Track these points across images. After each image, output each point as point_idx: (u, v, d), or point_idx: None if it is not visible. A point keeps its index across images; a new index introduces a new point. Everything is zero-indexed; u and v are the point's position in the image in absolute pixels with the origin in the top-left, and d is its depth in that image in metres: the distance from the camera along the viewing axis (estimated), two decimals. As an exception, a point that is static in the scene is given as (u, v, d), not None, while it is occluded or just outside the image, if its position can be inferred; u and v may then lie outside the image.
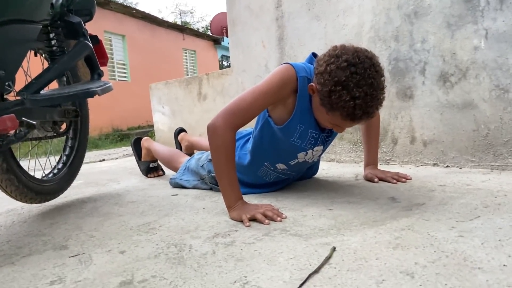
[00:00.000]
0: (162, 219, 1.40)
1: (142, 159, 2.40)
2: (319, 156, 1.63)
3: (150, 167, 2.37)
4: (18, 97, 1.34)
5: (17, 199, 1.56)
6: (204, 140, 2.31)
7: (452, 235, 0.99)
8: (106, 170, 2.91)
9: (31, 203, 1.64)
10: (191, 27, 25.03)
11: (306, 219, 1.23)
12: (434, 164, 1.89)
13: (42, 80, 1.42)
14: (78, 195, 1.99)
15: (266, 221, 1.21)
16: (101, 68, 1.82)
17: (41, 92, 1.43)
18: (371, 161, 1.72)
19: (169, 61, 13.09)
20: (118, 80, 11.14)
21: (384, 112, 2.04)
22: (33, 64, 1.71)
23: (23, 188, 1.53)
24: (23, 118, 1.29)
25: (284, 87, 1.35)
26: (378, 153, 1.77)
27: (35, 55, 1.70)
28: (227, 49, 19.04)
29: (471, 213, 1.15)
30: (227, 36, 16.23)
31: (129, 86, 11.20)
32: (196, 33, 16.15)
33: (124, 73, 11.39)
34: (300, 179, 1.82)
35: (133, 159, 3.46)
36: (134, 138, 2.51)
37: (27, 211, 1.73)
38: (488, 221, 1.07)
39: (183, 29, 14.88)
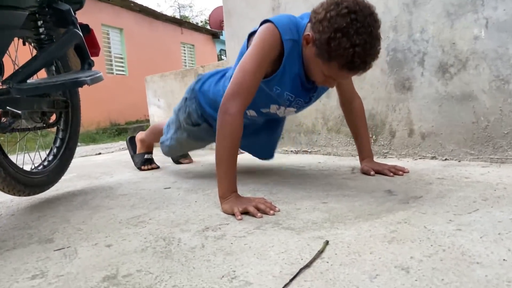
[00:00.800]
0: (152, 212, 1.36)
1: (138, 152, 2.38)
2: (290, 115, 1.66)
3: (145, 158, 2.34)
4: (4, 86, 1.30)
5: (4, 192, 1.52)
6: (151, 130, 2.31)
7: (450, 228, 0.95)
8: (100, 163, 2.87)
9: (19, 195, 1.60)
10: (190, 21, 24.89)
11: (300, 212, 1.19)
12: (432, 157, 1.85)
13: (29, 68, 1.38)
14: (69, 188, 1.96)
15: (259, 214, 1.17)
16: (95, 58, 1.77)
17: (28, 81, 1.38)
18: (365, 153, 1.68)
19: (167, 55, 13.00)
20: (116, 74, 11.06)
21: (381, 104, 2.00)
22: (23, 53, 1.66)
23: (11, 180, 1.49)
24: (8, 108, 1.25)
25: (272, 51, 1.33)
26: (370, 144, 1.73)
27: (24, 44, 1.66)
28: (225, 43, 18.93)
29: (469, 206, 1.11)
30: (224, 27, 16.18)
31: (126, 80, 11.13)
32: (194, 27, 16.05)
33: (122, 67, 11.31)
34: (261, 154, 1.89)
35: (127, 153, 3.42)
36: (129, 136, 2.51)
37: (16, 204, 1.69)
38: (487, 214, 1.03)
39: (181, 22, 14.78)
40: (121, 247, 1.04)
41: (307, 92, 1.47)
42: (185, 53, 14.86)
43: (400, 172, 1.57)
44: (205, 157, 2.73)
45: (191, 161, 2.46)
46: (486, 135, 1.67)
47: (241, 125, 1.30)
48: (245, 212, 1.21)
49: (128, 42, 11.35)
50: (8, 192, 1.53)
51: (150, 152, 2.36)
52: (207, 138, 1.83)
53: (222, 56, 18.84)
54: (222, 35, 17.07)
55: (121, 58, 11.27)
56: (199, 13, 39.07)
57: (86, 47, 1.70)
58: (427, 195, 1.26)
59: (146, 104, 3.64)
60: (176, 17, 22.20)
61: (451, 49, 1.73)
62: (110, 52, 10.80)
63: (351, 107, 1.69)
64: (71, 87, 1.48)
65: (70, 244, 1.10)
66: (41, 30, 1.54)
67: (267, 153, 1.88)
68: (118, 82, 10.61)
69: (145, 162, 2.33)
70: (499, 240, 0.85)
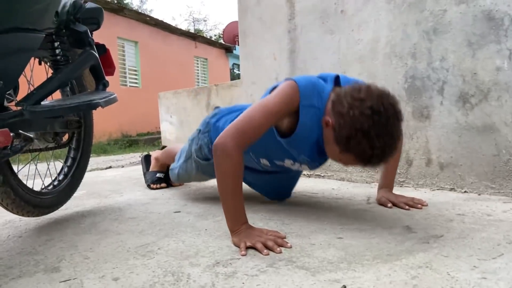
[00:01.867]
0: (161, 240, 1.32)
1: (151, 169, 2.38)
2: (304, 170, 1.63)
3: (157, 177, 2.32)
4: (18, 108, 1.29)
5: (13, 213, 1.50)
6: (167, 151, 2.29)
7: (475, 276, 0.90)
8: (110, 180, 2.85)
9: (28, 216, 1.58)
10: (204, 35, 25.16)
11: (314, 249, 1.14)
12: (451, 189, 1.79)
13: (43, 90, 1.37)
14: (78, 208, 1.93)
15: (265, 251, 1.13)
16: (109, 76, 1.77)
17: (42, 103, 1.37)
18: (386, 183, 1.63)
19: (181, 68, 13.10)
20: (129, 86, 11.16)
21: (398, 132, 1.96)
22: (37, 72, 1.66)
23: (20, 201, 1.47)
24: (20, 131, 1.23)
25: (286, 108, 1.29)
26: (395, 175, 1.68)
27: (39, 64, 1.65)
28: (238, 57, 19.06)
29: (494, 250, 1.06)
30: (239, 45, 16.31)
31: (140, 92, 11.22)
32: (208, 41, 16.20)
33: (136, 79, 11.42)
34: (276, 195, 1.80)
35: (138, 169, 3.41)
36: (144, 154, 2.53)
37: (24, 224, 1.67)
38: (513, 261, 0.98)
39: (195, 36, 14.92)
40: (129, 282, 1.00)
41: (324, 155, 1.40)
42: (198, 67, 14.96)
43: (419, 206, 1.51)
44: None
45: (166, 186, 2.34)
46: (508, 169, 1.62)
47: (241, 160, 1.25)
48: (253, 247, 1.17)
49: (143, 55, 11.47)
50: (17, 213, 1.51)
51: (163, 172, 2.33)
52: (214, 174, 1.78)
53: (234, 70, 18.94)
54: (235, 49, 17.18)
55: (135, 70, 11.38)
56: (213, 27, 39.45)
57: (102, 68, 1.69)
58: (448, 234, 1.20)
59: (158, 117, 3.64)
60: (190, 30, 22.47)
61: (472, 79, 1.69)
62: (124, 64, 10.92)
63: None
64: (85, 109, 1.47)
65: (77, 275, 1.06)
66: (57, 51, 1.54)
67: (284, 194, 1.81)
68: (131, 94, 10.69)
69: (155, 181, 2.31)
70: (530, 294, 0.80)
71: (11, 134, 1.08)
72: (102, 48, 1.77)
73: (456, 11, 1.72)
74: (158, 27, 12.20)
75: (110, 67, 1.82)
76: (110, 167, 4.32)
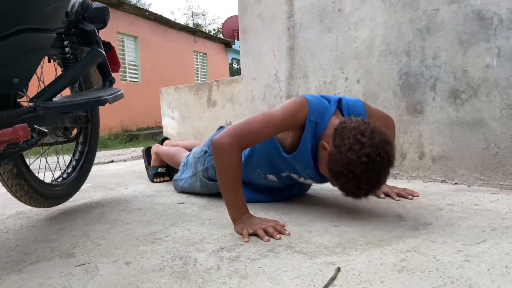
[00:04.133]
0: (168, 229, 1.41)
1: (151, 164, 2.44)
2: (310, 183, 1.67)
3: (158, 172, 2.40)
4: (31, 103, 1.36)
5: (26, 203, 1.58)
6: (172, 149, 2.32)
7: (458, 259, 0.99)
8: (114, 173, 2.92)
9: (39, 207, 1.66)
10: (203, 29, 25.14)
11: (312, 236, 1.23)
12: (443, 181, 1.88)
13: (55, 87, 1.44)
14: (86, 199, 2.01)
15: (266, 237, 1.21)
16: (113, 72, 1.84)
17: (54, 99, 1.44)
18: None
19: (180, 63, 13.14)
20: (129, 81, 11.21)
21: (393, 126, 2.04)
22: (46, 69, 1.73)
23: (33, 193, 1.55)
24: (35, 126, 1.31)
25: (293, 121, 1.37)
26: None
27: (49, 61, 1.72)
28: (238, 52, 19.07)
29: (478, 236, 1.14)
30: (238, 40, 16.31)
31: (139, 87, 11.27)
32: (207, 36, 16.22)
33: (135, 74, 11.46)
34: (292, 194, 1.78)
35: (141, 162, 3.49)
36: (145, 147, 2.58)
37: (35, 214, 1.75)
38: (495, 246, 1.06)
39: (194, 31, 14.95)
40: (140, 265, 1.08)
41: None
42: (197, 62, 15.00)
43: (410, 196, 1.59)
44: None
45: (169, 179, 2.38)
46: (496, 162, 1.70)
47: (239, 156, 1.33)
48: (254, 234, 1.25)
49: (142, 49, 11.51)
50: (30, 204, 1.59)
51: (164, 167, 2.40)
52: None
53: (233, 65, 18.97)
54: (234, 44, 17.21)
55: (135, 65, 11.43)
56: (212, 21, 39.41)
57: (108, 65, 1.77)
58: (436, 222, 1.29)
59: (158, 111, 3.70)
60: (189, 25, 22.45)
61: (463, 76, 1.77)
62: (124, 59, 10.96)
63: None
64: (94, 105, 1.54)
65: (91, 260, 1.14)
66: (66, 49, 1.61)
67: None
68: (131, 89, 10.74)
69: (157, 175, 2.39)
70: (506, 273, 0.89)
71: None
72: (107, 46, 1.84)
73: (448, 10, 1.80)
74: (158, 22, 12.22)
75: (115, 64, 1.90)
76: (112, 161, 4.40)
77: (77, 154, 1.94)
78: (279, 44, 2.56)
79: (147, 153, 2.54)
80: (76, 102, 1.45)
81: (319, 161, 1.38)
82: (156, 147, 2.44)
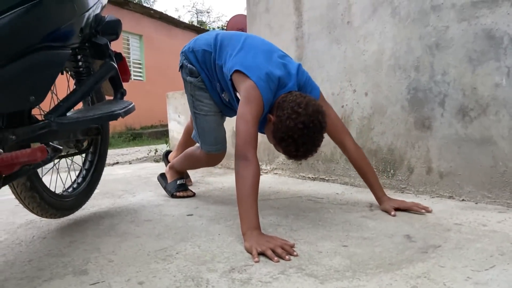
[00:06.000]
0: (178, 244, 1.42)
1: (169, 181, 2.28)
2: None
3: (178, 184, 2.24)
4: (45, 119, 1.38)
5: (37, 215, 1.60)
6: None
7: (468, 287, 1.00)
8: (121, 179, 2.95)
9: (50, 218, 1.68)
10: (207, 26, 25.09)
11: (321, 256, 1.24)
12: (450, 197, 1.89)
13: (68, 102, 1.46)
14: (94, 208, 2.03)
15: (275, 258, 1.23)
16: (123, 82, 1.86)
17: (67, 114, 1.46)
18: (381, 193, 1.74)
19: (184, 61, 13.16)
20: (134, 79, 11.23)
21: (401, 140, 2.05)
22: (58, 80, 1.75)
23: (45, 205, 1.57)
24: (51, 143, 1.33)
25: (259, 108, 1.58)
26: (378, 179, 1.80)
27: (61, 73, 1.74)
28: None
29: (487, 261, 1.15)
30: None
31: (143, 85, 11.29)
32: (212, 35, 16.22)
33: (140, 72, 11.49)
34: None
35: (147, 167, 3.51)
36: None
37: (46, 224, 1.77)
38: (503, 272, 1.07)
39: (199, 30, 14.95)
40: (153, 285, 1.10)
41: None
42: (201, 60, 15.01)
43: (423, 210, 1.64)
44: (223, 177, 2.80)
45: (193, 194, 2.27)
46: (504, 180, 1.71)
47: (258, 167, 1.47)
48: (263, 254, 1.27)
49: (147, 48, 11.53)
50: (42, 216, 1.61)
51: (182, 178, 2.28)
52: (213, 101, 1.95)
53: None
54: (239, 43, 17.20)
55: (140, 63, 11.45)
56: (216, 19, 39.34)
57: (120, 78, 1.79)
58: (445, 244, 1.30)
59: (162, 110, 3.71)
60: (194, 22, 22.43)
61: (472, 93, 1.78)
62: (129, 57, 10.98)
63: (346, 150, 1.77)
64: (106, 120, 1.55)
65: (104, 278, 1.16)
66: (80, 63, 1.63)
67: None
68: (135, 87, 10.75)
69: (179, 188, 2.23)
70: (516, 305, 0.90)
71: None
72: (118, 56, 1.86)
73: (458, 28, 1.80)
74: (162, 21, 12.24)
75: (125, 74, 1.92)
76: (118, 162, 4.43)
77: (87, 163, 1.96)
78: (287, 54, 2.56)
79: (162, 177, 2.36)
80: (90, 117, 1.47)
81: (266, 131, 1.65)
82: (167, 167, 2.34)
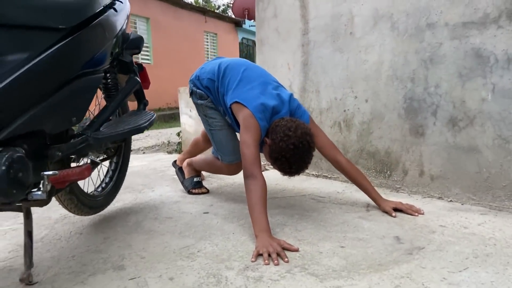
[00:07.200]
0: (198, 242, 1.65)
1: (186, 177, 2.51)
2: None
3: (195, 181, 2.46)
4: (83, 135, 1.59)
5: (74, 213, 1.83)
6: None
7: (442, 287, 1.22)
8: (138, 172, 3.17)
9: (84, 215, 1.91)
10: (213, 4, 25.02)
11: (322, 257, 1.46)
12: (439, 197, 2.10)
13: (101, 118, 1.67)
14: (119, 203, 2.26)
15: (266, 261, 1.44)
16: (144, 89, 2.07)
17: (101, 129, 1.67)
18: (377, 196, 1.94)
19: (191, 44, 13.26)
20: (141, 62, 11.36)
21: (397, 145, 2.25)
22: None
23: (81, 205, 1.79)
24: (91, 159, 1.54)
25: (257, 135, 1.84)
26: (372, 185, 2.01)
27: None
28: (248, 31, 19.05)
29: (462, 264, 1.37)
30: (249, 19, 16.28)
31: (151, 68, 11.41)
32: (218, 16, 16.22)
33: (147, 55, 11.62)
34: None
35: (161, 159, 3.73)
36: (178, 167, 2.64)
37: (79, 219, 1.99)
38: (474, 274, 1.29)
39: (205, 11, 14.97)
40: (182, 281, 1.33)
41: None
42: (207, 42, 15.08)
43: (416, 214, 1.86)
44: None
45: (207, 191, 2.50)
46: (487, 185, 1.91)
47: (265, 182, 1.73)
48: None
49: (154, 31, 11.63)
50: (77, 214, 1.84)
51: (199, 176, 2.51)
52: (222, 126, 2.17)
53: (244, 43, 18.96)
54: (245, 23, 17.21)
55: (147, 46, 11.57)
56: (222, -2, 38.99)
57: (143, 90, 1.99)
58: (429, 246, 1.52)
59: (169, 93, 3.87)
60: (199, 2, 22.33)
61: (461, 106, 1.96)
62: (136, 41, 11.07)
63: (340, 167, 1.99)
64: (134, 134, 1.77)
65: (140, 274, 1.39)
66: (109, 80, 1.83)
67: None
68: (143, 71, 10.92)
69: (195, 185, 2.45)
70: (477, 304, 1.12)
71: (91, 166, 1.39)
72: (140, 67, 2.06)
73: (450, 45, 1.98)
74: (169, 3, 12.28)
75: (146, 82, 2.12)
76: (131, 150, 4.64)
77: (113, 165, 2.18)
78: (293, 58, 2.75)
79: (180, 171, 2.58)
80: (120, 132, 1.68)
81: (264, 151, 1.89)
82: (185, 162, 2.55)
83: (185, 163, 2.54)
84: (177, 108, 4.12)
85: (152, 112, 1.98)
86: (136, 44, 1.96)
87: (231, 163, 2.18)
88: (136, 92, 1.97)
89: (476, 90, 1.91)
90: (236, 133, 2.17)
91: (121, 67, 1.91)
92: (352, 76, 2.42)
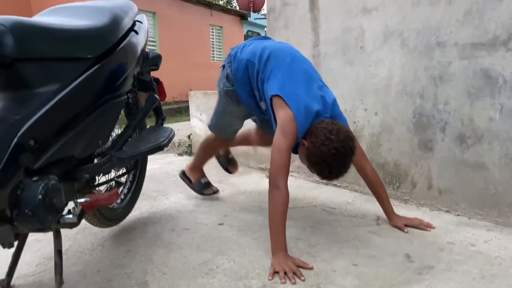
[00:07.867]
0: (216, 257, 1.73)
1: (194, 182, 2.58)
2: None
3: (204, 183, 2.55)
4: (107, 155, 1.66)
5: (96, 226, 1.92)
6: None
7: (450, 309, 1.29)
8: (151, 176, 3.24)
9: (105, 227, 1.99)
10: (218, -3, 24.96)
11: (336, 276, 1.54)
12: (447, 211, 2.16)
13: (124, 137, 1.74)
14: (136, 211, 2.33)
15: (282, 280, 1.52)
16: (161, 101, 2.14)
17: (123, 148, 1.74)
18: (391, 210, 2.01)
19: (197, 37, 13.27)
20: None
21: (406, 158, 2.31)
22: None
23: (102, 218, 1.88)
24: (116, 180, 1.62)
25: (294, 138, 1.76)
26: (389, 200, 2.06)
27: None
28: (253, 24, 19.02)
29: (469, 285, 1.44)
30: (254, 12, 16.24)
31: (157, 63, 11.46)
32: (223, 9, 16.20)
33: (154, 49, 11.66)
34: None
35: (172, 161, 3.81)
36: (182, 173, 2.67)
37: (99, 230, 2.07)
38: (480, 296, 1.36)
39: (211, 5, 14.95)
40: (204, 300, 1.41)
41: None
42: (213, 36, 15.08)
43: (428, 229, 1.93)
44: (245, 177, 3.09)
45: (217, 190, 2.61)
46: (494, 201, 1.98)
47: (288, 195, 1.71)
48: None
49: (160, 25, 11.65)
50: (99, 227, 1.93)
51: (204, 175, 2.59)
52: (240, 115, 2.26)
53: (249, 35, 18.93)
54: (250, 16, 17.17)
55: (154, 41, 11.60)
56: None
57: (161, 106, 2.06)
58: (438, 265, 1.59)
59: (176, 87, 3.92)
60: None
61: (469, 123, 2.02)
62: (143, 35, 11.10)
63: (365, 174, 2.03)
64: (155, 151, 1.84)
65: (164, 291, 1.47)
66: (130, 100, 1.90)
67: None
68: (149, 65, 10.96)
69: (205, 187, 2.55)
70: (484, 328, 1.19)
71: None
72: (157, 81, 2.14)
73: (459, 64, 2.03)
74: (175, -4, 12.30)
75: (162, 95, 2.19)
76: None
77: (131, 175, 2.26)
78: (304, 69, 2.79)
79: (185, 176, 2.64)
80: (142, 151, 1.75)
81: (300, 153, 1.80)
82: (187, 167, 2.61)
83: (187, 169, 2.60)
84: (183, 101, 4.18)
85: (170, 128, 2.05)
86: (155, 62, 2.03)
87: (215, 133, 2.36)
88: (155, 108, 2.04)
89: (485, 109, 1.96)
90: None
91: (141, 86, 1.98)
92: (362, 89, 2.48)
